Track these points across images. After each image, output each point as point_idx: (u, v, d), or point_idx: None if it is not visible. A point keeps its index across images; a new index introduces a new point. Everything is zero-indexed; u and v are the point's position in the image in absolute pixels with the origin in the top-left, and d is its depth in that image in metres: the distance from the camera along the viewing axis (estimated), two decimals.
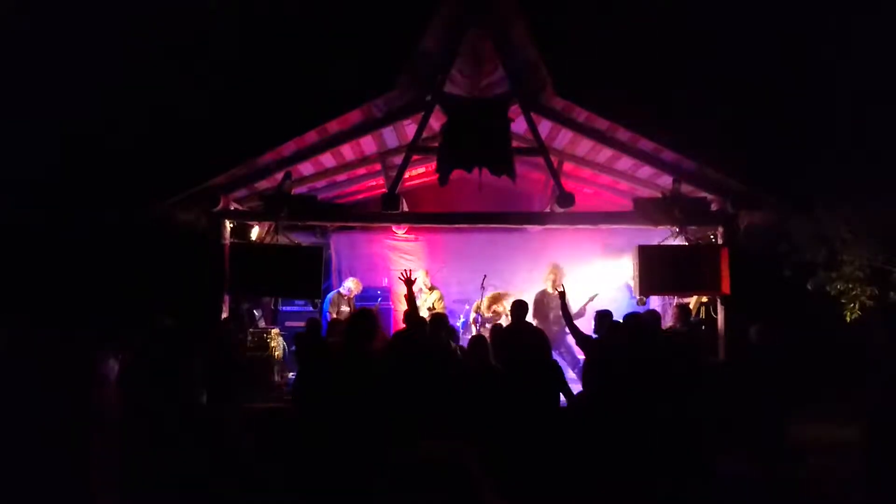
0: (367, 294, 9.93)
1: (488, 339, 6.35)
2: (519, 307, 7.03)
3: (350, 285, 9.53)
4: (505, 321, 8.37)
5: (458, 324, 9.36)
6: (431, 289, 9.63)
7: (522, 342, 6.20)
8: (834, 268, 7.40)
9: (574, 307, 8.45)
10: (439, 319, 6.41)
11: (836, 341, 7.39)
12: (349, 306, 9.36)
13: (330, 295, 9.38)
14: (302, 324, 7.99)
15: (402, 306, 9.96)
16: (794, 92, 9.60)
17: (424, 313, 9.21)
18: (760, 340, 6.20)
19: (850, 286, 7.33)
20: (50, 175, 8.94)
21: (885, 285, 7.29)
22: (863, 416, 5.51)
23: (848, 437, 5.88)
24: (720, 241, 8.05)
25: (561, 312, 8.28)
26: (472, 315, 9.27)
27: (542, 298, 9.05)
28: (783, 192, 7.73)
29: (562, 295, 7.16)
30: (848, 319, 7.39)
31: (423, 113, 8.00)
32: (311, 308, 8.66)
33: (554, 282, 8.93)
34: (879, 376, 5.55)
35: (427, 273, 9.73)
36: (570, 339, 7.74)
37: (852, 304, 7.35)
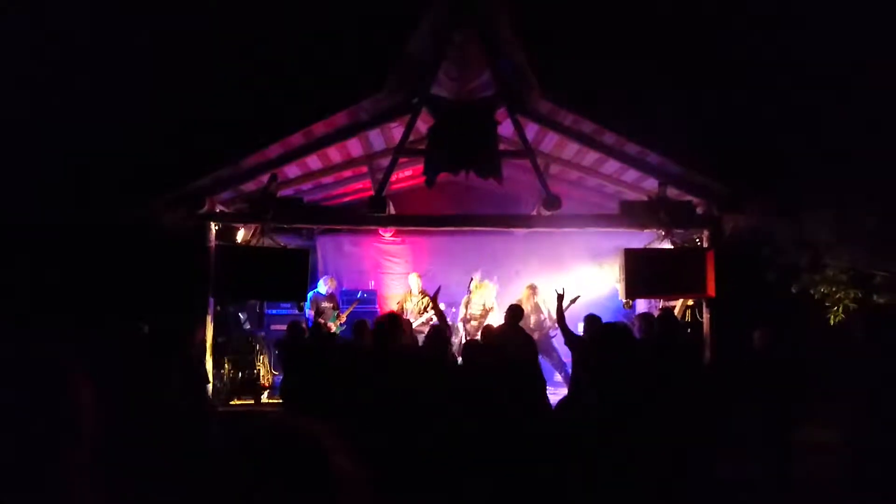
0: (353, 296, 9.91)
1: (479, 340, 6.42)
2: (513, 312, 7.07)
3: (326, 286, 9.53)
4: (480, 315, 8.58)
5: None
6: (423, 293, 9.60)
7: (512, 345, 6.23)
8: (818, 271, 7.45)
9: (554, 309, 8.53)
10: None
11: (820, 344, 7.44)
12: (331, 302, 9.38)
13: (310, 294, 9.32)
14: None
15: (388, 309, 10.04)
16: (779, 95, 9.67)
17: (415, 317, 9.24)
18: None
19: (834, 289, 7.38)
20: (31, 177, 8.84)
21: (868, 288, 7.35)
22: (848, 417, 5.55)
23: (834, 438, 5.93)
24: (705, 245, 8.10)
25: (546, 317, 8.38)
26: (461, 314, 9.28)
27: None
28: (767, 196, 7.78)
29: (560, 298, 7.21)
30: (832, 322, 7.44)
31: (409, 115, 7.99)
32: (296, 311, 8.62)
33: (528, 299, 9.02)
34: (863, 378, 5.60)
35: (419, 276, 9.70)
36: (556, 342, 7.77)
37: (836, 308, 7.40)
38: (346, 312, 9.38)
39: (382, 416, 4.96)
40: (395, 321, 5.80)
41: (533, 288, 9.20)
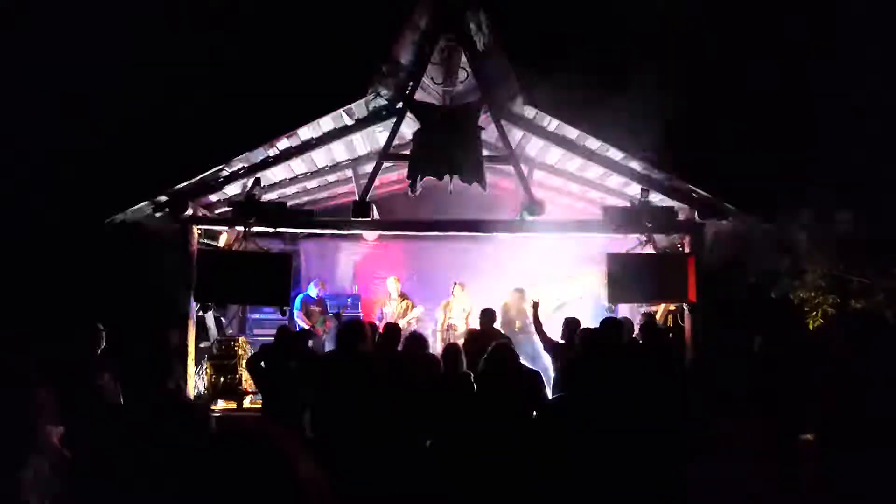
0: (338, 302, 9.90)
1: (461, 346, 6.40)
2: (486, 315, 7.09)
3: (317, 290, 9.54)
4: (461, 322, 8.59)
5: (428, 332, 9.36)
6: (402, 297, 9.58)
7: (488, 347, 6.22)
8: (797, 276, 7.54)
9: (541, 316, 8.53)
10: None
11: (799, 348, 7.52)
12: (319, 307, 9.38)
13: (299, 297, 9.29)
14: (270, 332, 7.93)
15: (371, 313, 10.03)
16: (760, 101, 9.79)
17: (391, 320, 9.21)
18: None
19: (813, 294, 7.47)
20: (13, 180, 8.76)
21: (845, 293, 7.44)
22: (823, 420, 5.61)
23: (813, 440, 6.00)
24: (687, 250, 8.16)
25: (531, 321, 8.35)
26: (440, 319, 9.27)
27: (505, 311, 9.07)
28: (748, 202, 7.87)
29: (535, 306, 7.24)
30: (811, 327, 7.52)
31: (394, 120, 8.00)
32: (280, 315, 8.58)
33: (515, 303, 9.01)
34: (839, 381, 5.67)
35: (398, 280, 9.69)
36: (538, 348, 7.78)
37: (815, 312, 7.49)
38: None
39: (351, 420, 4.97)
40: (359, 327, 5.81)
41: (521, 292, 9.20)
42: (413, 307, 9.45)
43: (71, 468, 1.19)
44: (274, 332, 6.77)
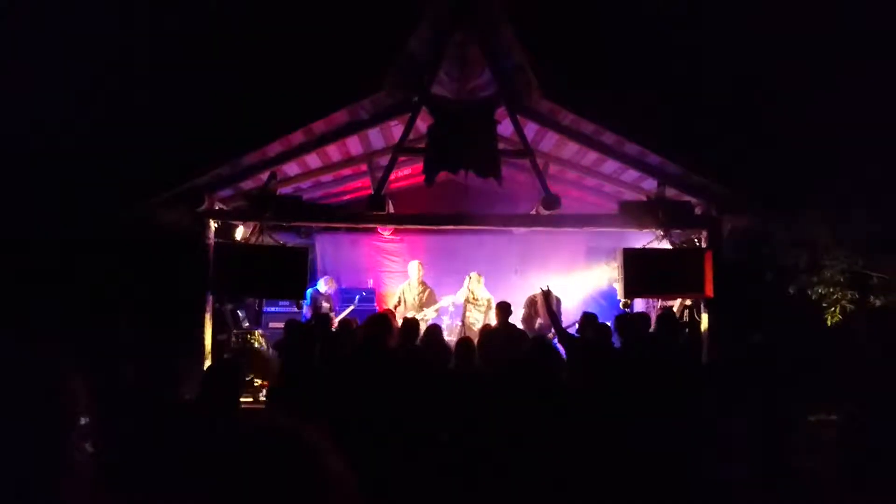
0: (351, 295, 9.93)
1: (475, 341, 6.39)
2: (503, 309, 7.07)
3: (326, 286, 9.58)
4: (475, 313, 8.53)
5: (444, 325, 9.38)
6: (423, 284, 9.54)
7: (505, 343, 6.23)
8: (815, 272, 7.47)
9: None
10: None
11: (817, 344, 7.46)
12: (329, 302, 9.42)
13: (309, 292, 9.36)
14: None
15: (386, 307, 10.05)
16: (778, 96, 9.68)
17: (415, 309, 9.20)
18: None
19: (831, 290, 7.40)
20: (28, 174, 8.84)
21: (864, 289, 7.36)
22: (842, 416, 5.57)
23: (829, 437, 5.95)
24: (704, 245, 8.10)
25: (546, 313, 8.32)
26: (452, 308, 9.27)
27: (532, 302, 9.02)
28: (765, 197, 7.79)
29: (546, 294, 7.15)
30: (829, 323, 7.45)
31: (409, 114, 7.99)
32: (295, 309, 8.64)
33: (541, 302, 8.94)
34: (859, 377, 5.62)
35: (421, 266, 9.63)
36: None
37: (833, 308, 7.42)
38: (342, 315, 9.38)
39: (372, 418, 4.97)
40: (386, 321, 5.78)
41: (547, 294, 9.16)
42: (434, 298, 9.44)
43: (95, 463, 1.20)
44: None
